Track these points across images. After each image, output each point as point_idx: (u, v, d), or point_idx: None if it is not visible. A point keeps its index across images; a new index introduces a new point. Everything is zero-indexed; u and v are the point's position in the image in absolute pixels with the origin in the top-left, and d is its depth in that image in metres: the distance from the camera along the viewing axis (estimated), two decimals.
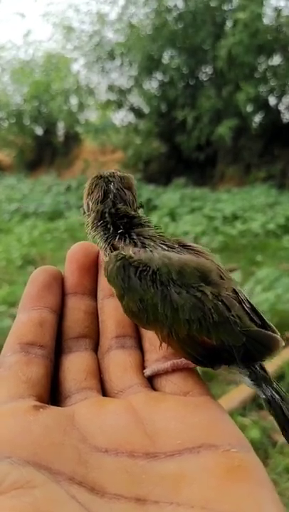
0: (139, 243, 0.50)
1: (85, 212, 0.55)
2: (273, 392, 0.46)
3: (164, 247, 0.49)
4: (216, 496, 0.33)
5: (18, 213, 7.16)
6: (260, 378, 0.47)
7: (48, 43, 15.78)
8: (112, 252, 0.50)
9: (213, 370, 0.47)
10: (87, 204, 0.55)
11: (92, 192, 0.54)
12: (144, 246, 0.49)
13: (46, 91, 11.64)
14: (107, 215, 0.53)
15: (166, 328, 0.45)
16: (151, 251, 0.48)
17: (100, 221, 0.53)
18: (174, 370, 0.45)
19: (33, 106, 11.83)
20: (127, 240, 0.51)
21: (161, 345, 0.47)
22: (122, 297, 0.48)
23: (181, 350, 0.46)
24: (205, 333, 0.44)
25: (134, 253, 0.48)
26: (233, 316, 0.45)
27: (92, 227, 0.54)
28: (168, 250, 0.49)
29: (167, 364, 0.46)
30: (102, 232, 0.53)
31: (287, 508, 1.51)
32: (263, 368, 0.48)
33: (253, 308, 0.49)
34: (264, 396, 0.46)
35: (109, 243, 0.52)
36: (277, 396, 0.46)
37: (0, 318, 3.08)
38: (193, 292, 0.45)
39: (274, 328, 0.49)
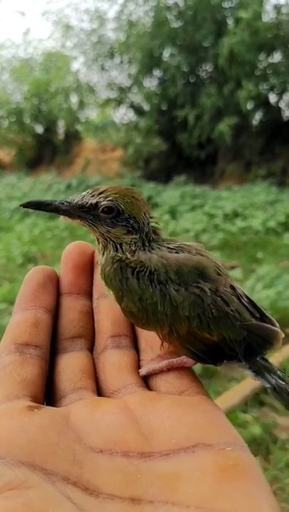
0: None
1: (138, 222, 0.50)
2: (278, 380, 0.46)
3: (164, 248, 0.50)
4: (211, 495, 0.33)
5: (19, 211, 7.16)
6: (262, 369, 0.47)
7: (48, 41, 15.75)
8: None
9: (215, 366, 0.47)
10: (145, 216, 0.51)
11: (147, 207, 0.52)
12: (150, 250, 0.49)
13: (46, 89, 11.61)
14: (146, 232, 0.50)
15: (167, 326, 0.46)
16: (150, 251, 0.49)
17: (144, 235, 0.50)
18: (170, 369, 0.46)
19: (33, 104, 11.80)
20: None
21: (162, 344, 0.48)
22: (120, 298, 0.48)
23: (182, 347, 0.46)
24: (205, 329, 0.45)
25: (131, 255, 0.49)
26: (232, 310, 0.46)
27: (134, 238, 0.50)
28: (167, 251, 0.49)
29: (163, 363, 0.46)
30: (133, 244, 0.50)
31: None
32: (263, 358, 0.48)
33: (251, 302, 0.49)
34: (269, 385, 0.46)
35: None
36: (282, 382, 0.46)
37: (0, 316, 3.09)
38: (192, 289, 0.45)
39: (273, 320, 0.49)
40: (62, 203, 0.51)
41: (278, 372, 0.47)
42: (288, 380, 0.47)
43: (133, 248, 0.49)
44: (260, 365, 0.47)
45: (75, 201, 0.51)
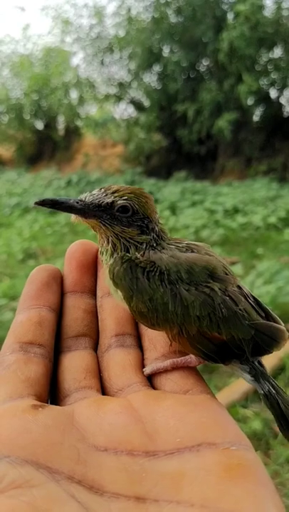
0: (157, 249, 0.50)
1: (151, 222, 0.51)
2: (270, 387, 0.47)
3: (173, 247, 0.50)
4: (216, 494, 0.33)
5: (19, 208, 7.16)
6: (258, 374, 0.48)
7: (47, 36, 15.68)
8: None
9: (225, 365, 0.48)
10: (156, 217, 0.52)
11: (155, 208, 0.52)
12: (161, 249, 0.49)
13: (46, 85, 11.58)
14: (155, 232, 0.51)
15: (177, 326, 0.46)
16: (160, 251, 0.49)
17: (155, 235, 0.51)
18: (174, 368, 0.46)
19: (33, 100, 11.78)
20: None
21: (171, 344, 0.48)
22: (130, 298, 0.48)
23: (191, 347, 0.46)
24: (215, 328, 0.45)
25: (141, 255, 0.49)
26: (240, 310, 0.46)
27: (147, 238, 0.51)
28: (177, 251, 0.49)
29: (167, 362, 0.46)
30: (145, 244, 0.50)
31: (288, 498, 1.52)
32: (261, 364, 0.49)
33: (256, 301, 0.50)
34: (262, 391, 0.47)
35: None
36: (273, 390, 0.47)
37: (1, 311, 3.09)
38: (202, 289, 0.46)
39: (278, 319, 0.50)
40: (77, 202, 0.50)
41: (271, 380, 0.48)
42: (279, 389, 0.47)
43: (144, 247, 0.49)
44: (258, 369, 0.48)
45: (90, 200, 0.50)
